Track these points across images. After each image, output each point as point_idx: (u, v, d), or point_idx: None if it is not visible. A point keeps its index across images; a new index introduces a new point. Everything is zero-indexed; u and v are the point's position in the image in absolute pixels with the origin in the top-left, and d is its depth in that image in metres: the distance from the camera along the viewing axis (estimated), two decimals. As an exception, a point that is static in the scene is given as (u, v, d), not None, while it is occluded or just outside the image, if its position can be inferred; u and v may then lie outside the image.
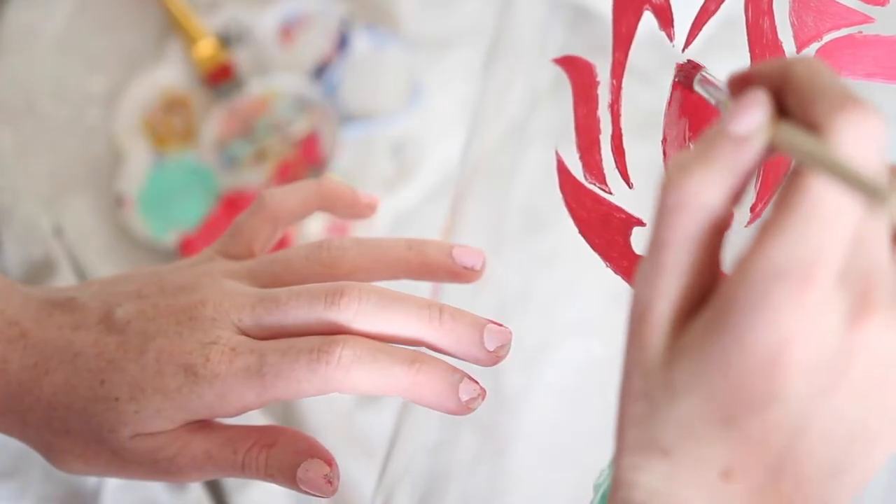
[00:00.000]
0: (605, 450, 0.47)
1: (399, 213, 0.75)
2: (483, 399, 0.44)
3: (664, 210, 0.34)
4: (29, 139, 0.76)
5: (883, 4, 0.41)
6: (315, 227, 0.73)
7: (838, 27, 0.41)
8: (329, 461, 0.44)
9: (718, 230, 0.34)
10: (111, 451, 0.44)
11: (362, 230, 0.73)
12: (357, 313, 0.44)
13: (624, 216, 0.44)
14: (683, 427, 0.34)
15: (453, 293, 0.56)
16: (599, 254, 0.44)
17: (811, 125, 0.32)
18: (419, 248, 0.48)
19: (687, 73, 0.42)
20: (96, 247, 0.74)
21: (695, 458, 0.34)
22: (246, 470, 0.45)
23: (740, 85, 0.35)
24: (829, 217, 0.32)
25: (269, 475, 0.45)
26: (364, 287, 0.44)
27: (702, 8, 0.43)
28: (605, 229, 0.44)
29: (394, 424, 0.58)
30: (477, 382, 0.44)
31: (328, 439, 0.67)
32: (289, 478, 0.44)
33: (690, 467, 0.34)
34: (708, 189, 0.33)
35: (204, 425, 0.45)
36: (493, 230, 0.61)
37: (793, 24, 0.41)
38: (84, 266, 0.72)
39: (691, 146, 0.43)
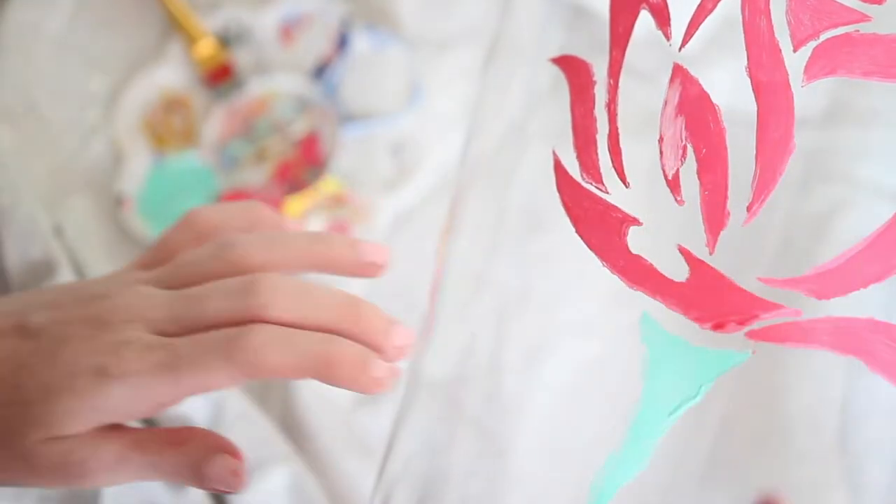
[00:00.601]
0: (606, 450, 0.47)
1: (399, 212, 0.75)
2: (397, 378, 0.45)
3: None
4: (29, 139, 0.76)
5: (880, 3, 0.41)
6: (315, 228, 0.73)
7: (835, 25, 0.41)
8: (235, 454, 0.45)
9: None
10: (21, 458, 0.44)
11: (364, 230, 0.73)
12: (271, 303, 0.44)
13: (620, 215, 0.44)
14: None
15: (453, 293, 0.56)
16: (596, 253, 0.44)
17: None
18: (325, 242, 0.49)
19: None
20: (96, 247, 0.74)
21: None
22: (157, 471, 0.45)
23: None
24: None
25: (178, 475, 0.45)
26: (277, 278, 0.45)
27: (699, 6, 0.43)
28: (601, 228, 0.44)
29: (392, 424, 0.58)
30: (390, 364, 0.45)
31: (328, 439, 0.68)
32: (196, 475, 0.45)
33: None
34: None
35: (115, 428, 0.45)
36: (492, 230, 0.61)
37: (790, 23, 0.41)
38: (84, 266, 0.72)
39: (688, 146, 0.43)
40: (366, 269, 0.50)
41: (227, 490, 0.45)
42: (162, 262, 0.50)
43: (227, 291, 0.45)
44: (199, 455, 0.45)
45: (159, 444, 0.45)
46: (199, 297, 0.45)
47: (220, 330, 0.44)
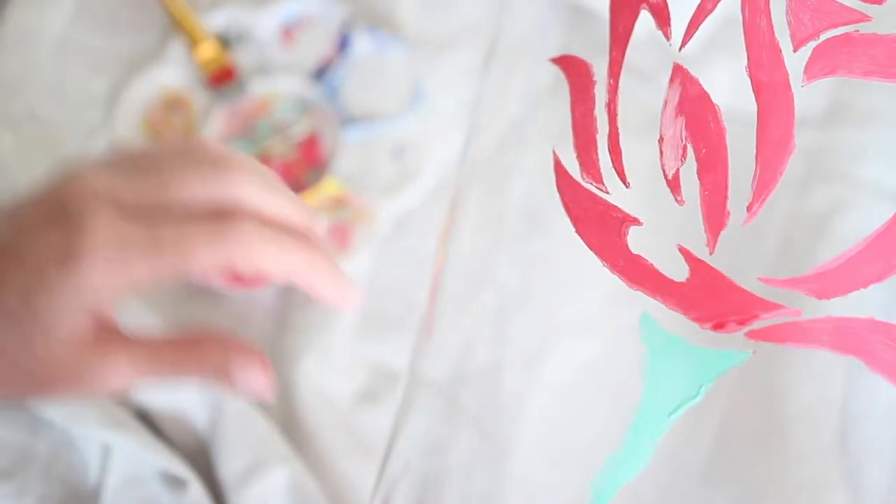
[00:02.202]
0: (606, 450, 0.47)
1: (400, 214, 0.75)
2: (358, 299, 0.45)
3: None
4: (29, 139, 0.77)
5: (880, 3, 0.41)
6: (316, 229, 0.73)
7: (835, 25, 0.41)
8: (261, 358, 0.44)
9: None
10: (28, 370, 0.43)
11: (364, 232, 0.73)
12: (248, 189, 0.44)
13: (620, 215, 0.44)
14: None
15: (453, 294, 0.56)
16: (596, 253, 0.44)
17: None
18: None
19: None
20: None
21: None
22: (175, 374, 0.44)
23: None
24: None
25: (202, 375, 0.44)
26: (246, 158, 0.45)
27: (699, 7, 0.43)
28: (601, 229, 0.44)
29: (392, 424, 0.58)
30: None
31: (327, 439, 0.68)
32: (223, 375, 0.44)
33: None
34: None
35: (122, 337, 0.44)
36: (492, 230, 0.61)
37: (790, 23, 0.41)
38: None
39: (688, 146, 0.43)
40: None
41: (256, 394, 0.44)
42: None
43: (197, 168, 0.43)
44: (222, 356, 0.44)
45: (175, 346, 0.44)
46: (169, 172, 0.43)
47: (206, 216, 0.43)
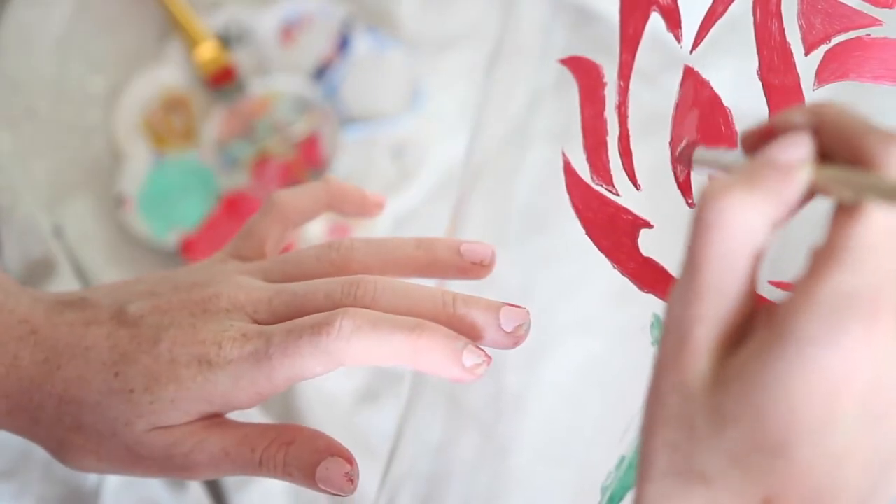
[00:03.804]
0: (606, 449, 0.47)
1: (400, 214, 0.75)
2: (488, 365, 0.43)
3: (702, 227, 0.33)
4: (29, 139, 0.76)
5: (891, 7, 0.41)
6: (316, 229, 0.73)
7: (846, 29, 0.41)
8: (349, 459, 0.44)
9: (757, 256, 0.34)
10: (125, 446, 0.44)
11: (364, 231, 0.73)
12: (372, 302, 0.44)
13: (631, 218, 0.44)
14: (730, 455, 0.33)
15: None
16: (607, 255, 0.44)
17: (858, 162, 0.33)
18: (428, 245, 0.48)
19: (684, 152, 0.42)
20: (97, 247, 0.74)
21: (738, 486, 0.33)
22: (263, 468, 0.44)
23: (758, 139, 0.35)
24: (890, 244, 0.32)
25: (287, 473, 0.44)
26: (379, 278, 0.45)
27: (709, 10, 0.43)
28: (612, 231, 0.44)
29: (396, 425, 0.58)
30: (482, 350, 0.43)
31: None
32: (308, 476, 0.44)
33: (732, 496, 0.33)
34: (750, 212, 0.33)
35: (220, 422, 0.45)
36: (495, 230, 0.61)
37: (801, 27, 0.41)
38: (84, 266, 0.72)
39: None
40: (471, 270, 0.48)
41: (339, 493, 0.44)
42: (252, 249, 0.49)
43: (329, 291, 0.44)
44: (310, 457, 0.44)
45: (266, 441, 0.45)
46: (302, 294, 0.45)
47: (311, 316, 0.43)
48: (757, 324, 0.34)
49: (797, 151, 0.33)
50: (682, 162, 0.42)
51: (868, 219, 0.32)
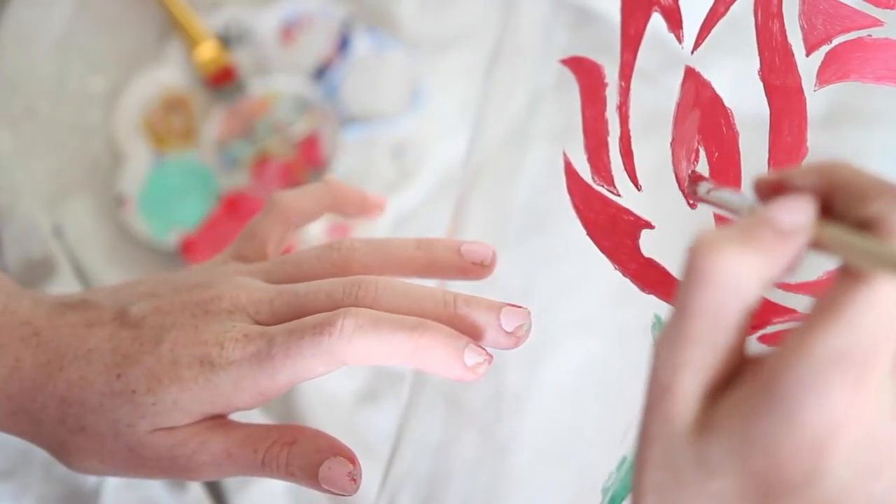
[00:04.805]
0: (606, 449, 0.47)
1: (400, 214, 0.75)
2: (490, 364, 0.43)
3: (694, 276, 0.33)
4: (29, 139, 0.76)
5: (892, 8, 0.41)
6: (316, 230, 0.73)
7: (848, 30, 0.41)
8: (352, 459, 0.44)
9: (748, 311, 0.33)
10: (128, 448, 0.44)
11: (364, 231, 0.73)
12: (374, 303, 0.44)
13: (632, 218, 0.44)
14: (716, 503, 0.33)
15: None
16: (608, 256, 0.44)
17: (868, 224, 0.32)
18: (428, 246, 0.48)
19: (693, 182, 0.42)
20: (96, 247, 0.74)
21: None
22: (266, 468, 0.44)
23: (769, 190, 0.35)
24: (888, 308, 0.32)
25: (289, 473, 0.44)
26: (380, 278, 0.45)
27: (711, 10, 0.43)
28: (613, 231, 0.44)
29: (397, 425, 0.58)
30: (483, 349, 0.43)
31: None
32: (311, 476, 0.44)
33: None
34: (743, 269, 0.33)
35: (223, 423, 0.45)
36: (495, 230, 0.61)
37: (802, 27, 0.41)
38: (84, 266, 0.72)
39: (700, 150, 0.43)
40: (472, 271, 0.48)
41: (342, 493, 0.44)
42: (253, 250, 0.50)
43: (330, 292, 0.44)
44: (313, 457, 0.44)
45: (269, 441, 0.45)
46: (303, 295, 0.45)
47: (313, 316, 0.43)
48: (745, 372, 0.34)
49: (799, 216, 0.33)
50: (690, 196, 0.42)
51: (870, 285, 0.32)
